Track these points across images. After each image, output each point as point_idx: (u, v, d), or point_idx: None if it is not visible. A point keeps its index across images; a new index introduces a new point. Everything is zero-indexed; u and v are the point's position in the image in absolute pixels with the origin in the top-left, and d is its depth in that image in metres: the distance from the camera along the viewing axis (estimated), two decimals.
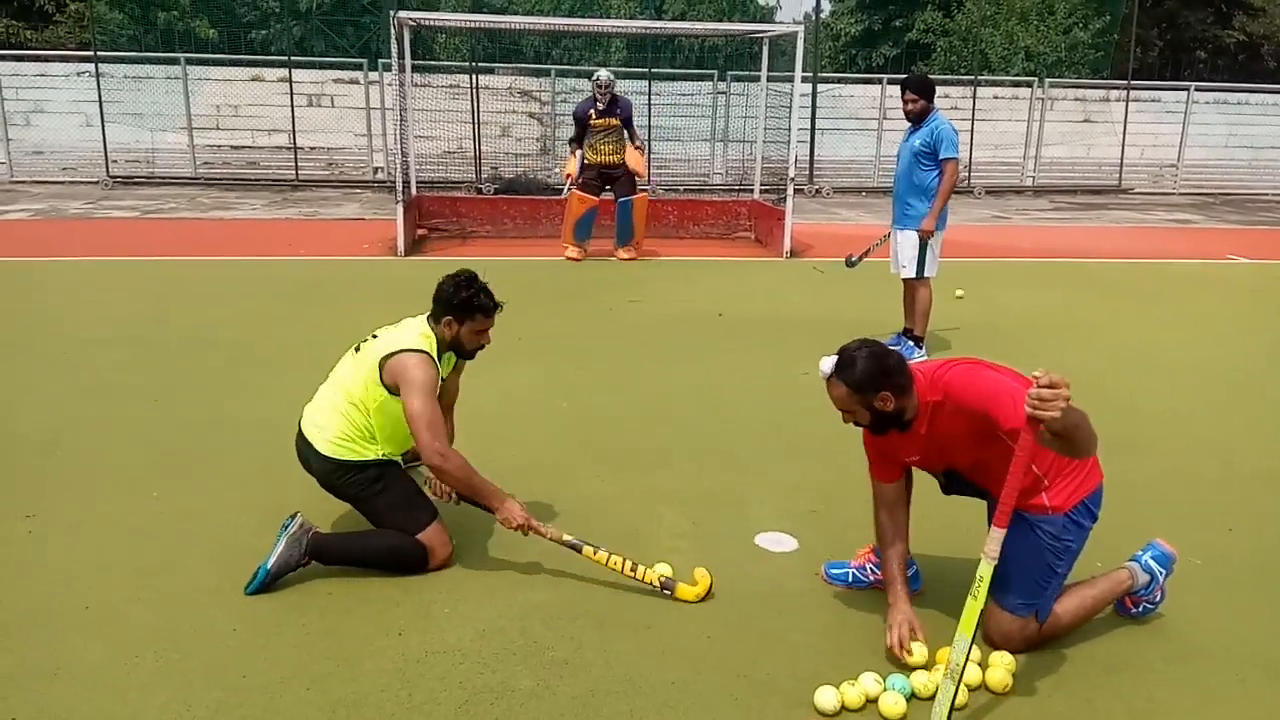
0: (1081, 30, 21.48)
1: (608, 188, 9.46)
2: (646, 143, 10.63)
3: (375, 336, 3.30)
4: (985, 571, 2.42)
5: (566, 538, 3.12)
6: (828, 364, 2.70)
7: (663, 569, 3.12)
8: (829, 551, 3.34)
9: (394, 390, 3.10)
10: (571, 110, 9.91)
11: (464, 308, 3.21)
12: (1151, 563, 2.96)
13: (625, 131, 9.37)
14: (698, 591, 3.04)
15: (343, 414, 3.19)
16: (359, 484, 3.18)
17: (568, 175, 9.61)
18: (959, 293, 7.65)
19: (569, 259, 9.34)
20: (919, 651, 2.70)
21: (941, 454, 2.84)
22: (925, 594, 3.11)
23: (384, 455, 3.23)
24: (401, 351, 3.10)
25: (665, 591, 3.04)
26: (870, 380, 2.64)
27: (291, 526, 3.07)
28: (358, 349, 3.31)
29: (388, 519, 3.20)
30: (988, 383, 2.65)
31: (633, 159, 9.35)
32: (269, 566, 3.01)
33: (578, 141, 9.45)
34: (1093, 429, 2.34)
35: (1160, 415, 5.09)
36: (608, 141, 9.33)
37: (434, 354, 3.17)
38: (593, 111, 9.27)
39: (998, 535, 2.40)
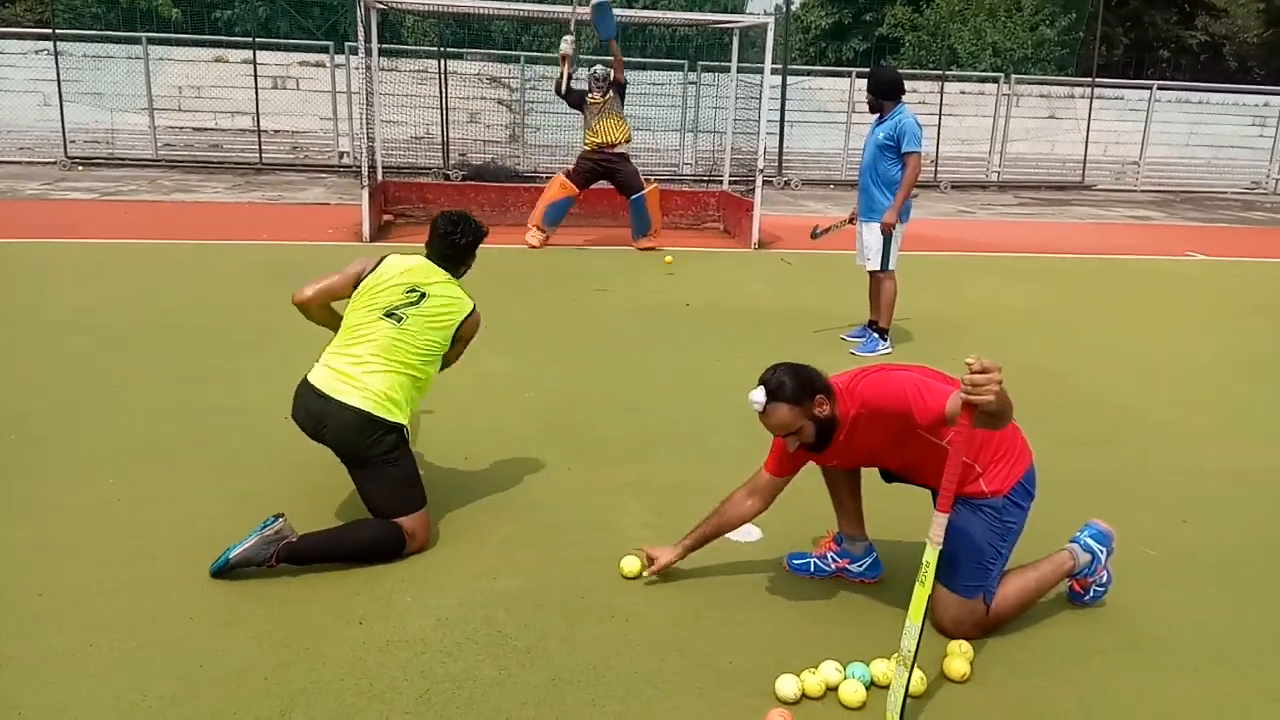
0: (1048, 27, 21.74)
1: (601, 183, 9.56)
2: None
3: (425, 295, 3.37)
4: (931, 557, 2.46)
5: None
6: (759, 395, 2.76)
7: None
8: (793, 542, 3.37)
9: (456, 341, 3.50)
10: (537, 97, 9.94)
11: (480, 238, 3.60)
12: (1090, 541, 3.04)
13: (620, 99, 9.43)
14: None
15: (393, 373, 3.26)
16: (383, 446, 3.19)
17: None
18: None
19: (529, 245, 9.29)
20: (627, 565, 3.13)
21: (871, 457, 2.95)
22: (885, 583, 3.14)
23: (407, 420, 3.30)
24: (474, 311, 3.50)
25: None
26: (802, 390, 2.75)
27: (269, 527, 3.02)
28: (400, 312, 3.32)
29: (390, 491, 3.21)
30: (896, 382, 2.74)
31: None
32: (230, 557, 2.98)
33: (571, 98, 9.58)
34: (1009, 399, 2.43)
35: (1120, 409, 5.17)
36: (605, 117, 9.36)
37: None
38: (592, 96, 9.40)
39: (941, 520, 2.44)
